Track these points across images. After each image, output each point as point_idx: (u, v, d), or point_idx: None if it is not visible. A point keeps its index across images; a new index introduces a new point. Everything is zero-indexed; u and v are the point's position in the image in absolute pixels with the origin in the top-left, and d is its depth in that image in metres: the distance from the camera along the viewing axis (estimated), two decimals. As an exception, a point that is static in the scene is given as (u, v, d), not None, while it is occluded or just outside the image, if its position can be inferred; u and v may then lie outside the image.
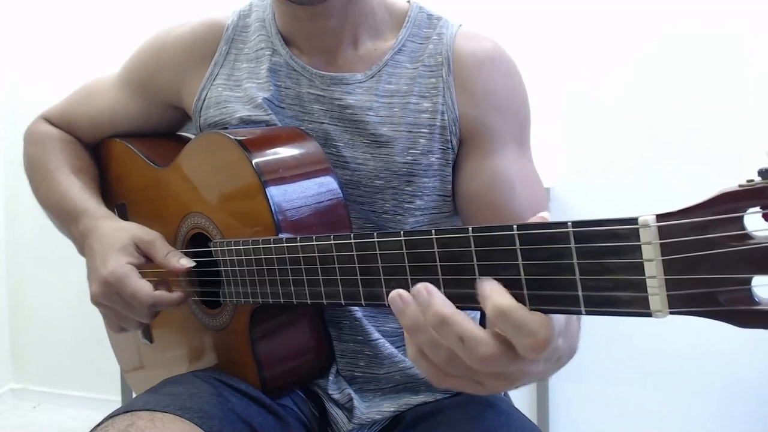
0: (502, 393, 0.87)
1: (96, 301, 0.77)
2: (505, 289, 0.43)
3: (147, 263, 0.78)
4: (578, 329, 0.53)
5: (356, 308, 0.78)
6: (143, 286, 0.74)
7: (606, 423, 1.72)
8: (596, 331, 1.66)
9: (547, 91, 1.68)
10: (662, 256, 0.36)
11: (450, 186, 0.78)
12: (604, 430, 1.73)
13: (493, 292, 0.43)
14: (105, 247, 0.77)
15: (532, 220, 0.44)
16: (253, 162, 0.69)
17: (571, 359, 0.51)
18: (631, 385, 1.69)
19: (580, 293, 0.40)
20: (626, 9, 1.62)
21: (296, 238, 0.61)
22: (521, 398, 1.72)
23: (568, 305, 0.41)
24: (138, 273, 0.75)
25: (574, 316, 0.50)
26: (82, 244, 0.84)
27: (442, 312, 0.44)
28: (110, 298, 0.76)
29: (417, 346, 0.47)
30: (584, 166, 1.70)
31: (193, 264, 0.76)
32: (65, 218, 0.88)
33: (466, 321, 0.44)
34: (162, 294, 0.75)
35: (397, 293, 0.46)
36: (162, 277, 0.78)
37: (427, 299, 0.45)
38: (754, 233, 0.34)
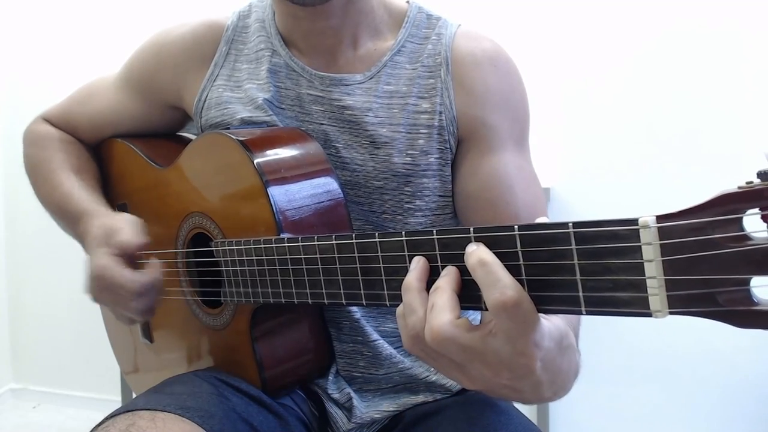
0: None
1: (91, 297, 0.79)
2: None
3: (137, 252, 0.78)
4: (577, 365, 0.54)
5: (356, 309, 0.78)
6: (126, 275, 0.74)
7: (606, 422, 1.73)
8: (596, 331, 1.67)
9: (547, 91, 1.68)
10: (662, 256, 0.36)
11: (450, 186, 0.79)
12: (604, 430, 1.73)
13: (480, 248, 0.45)
14: (92, 243, 0.79)
15: None
16: (255, 162, 0.69)
17: (567, 388, 0.52)
18: (631, 385, 1.69)
19: (580, 294, 0.40)
20: (625, 9, 1.63)
21: (297, 238, 0.61)
22: (521, 398, 1.72)
23: (569, 305, 0.41)
24: (121, 263, 0.75)
25: (574, 342, 0.52)
26: (83, 244, 0.85)
27: (439, 284, 0.47)
28: (101, 293, 0.77)
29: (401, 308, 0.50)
30: (584, 166, 1.70)
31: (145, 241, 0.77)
32: (67, 219, 0.88)
33: (449, 291, 0.46)
34: (141, 275, 0.75)
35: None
36: (161, 267, 0.78)
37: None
38: (753, 234, 0.34)
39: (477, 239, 0.45)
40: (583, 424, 1.74)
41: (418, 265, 0.49)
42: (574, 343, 0.53)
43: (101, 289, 0.76)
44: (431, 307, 0.46)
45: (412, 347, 0.49)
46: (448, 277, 0.47)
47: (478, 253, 0.44)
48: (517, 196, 0.75)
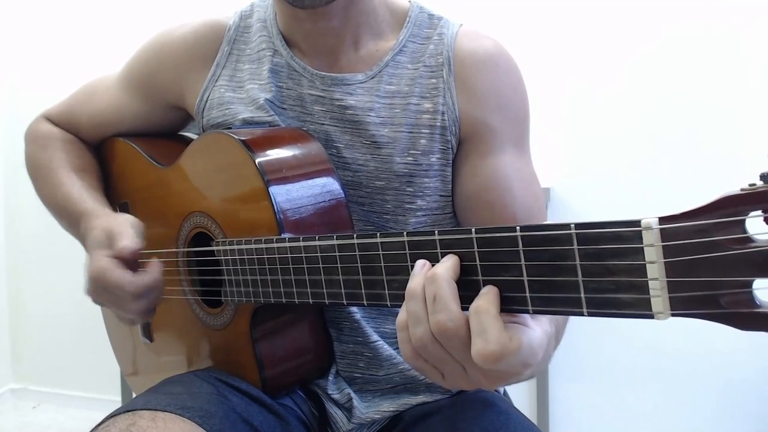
0: (501, 391, 0.88)
1: (91, 298, 0.79)
2: (497, 296, 0.45)
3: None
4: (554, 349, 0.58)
5: (356, 309, 0.78)
6: (124, 277, 0.74)
7: (606, 422, 1.73)
8: (596, 331, 1.67)
9: (547, 91, 1.68)
10: (664, 258, 0.36)
11: (451, 186, 0.79)
12: (604, 430, 1.74)
13: (482, 294, 0.45)
14: (92, 245, 0.79)
15: None
16: (257, 162, 0.69)
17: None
18: (631, 385, 1.69)
19: (582, 295, 0.40)
20: (626, 9, 1.63)
21: (299, 238, 0.61)
22: (521, 398, 1.72)
23: (571, 307, 0.41)
24: (120, 265, 0.75)
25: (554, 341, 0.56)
26: (84, 243, 0.85)
27: (437, 271, 0.47)
28: (100, 295, 0.77)
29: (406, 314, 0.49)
30: (584, 166, 1.70)
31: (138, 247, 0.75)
32: (68, 219, 0.89)
33: (449, 287, 0.46)
34: (140, 277, 0.75)
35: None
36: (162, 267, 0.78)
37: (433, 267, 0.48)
38: (756, 237, 0.34)
39: (478, 240, 0.45)
40: (583, 424, 1.74)
41: (423, 270, 0.48)
42: (554, 342, 0.55)
43: (100, 290, 0.76)
44: (432, 299, 0.46)
45: (416, 359, 0.49)
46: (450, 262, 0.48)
47: (476, 301, 0.45)
48: (516, 198, 0.75)
